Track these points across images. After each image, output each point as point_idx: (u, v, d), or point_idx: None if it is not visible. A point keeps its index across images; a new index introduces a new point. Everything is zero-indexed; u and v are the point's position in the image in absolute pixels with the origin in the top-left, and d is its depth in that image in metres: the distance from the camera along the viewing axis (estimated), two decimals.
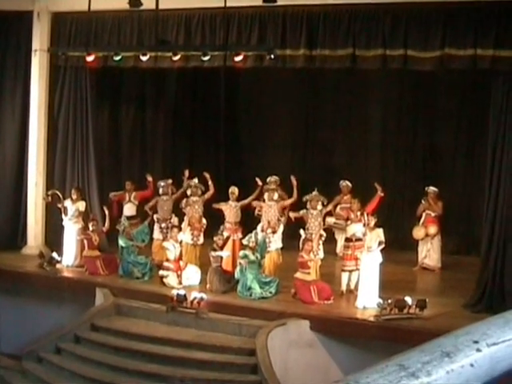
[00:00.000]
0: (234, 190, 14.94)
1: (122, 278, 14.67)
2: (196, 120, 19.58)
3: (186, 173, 15.65)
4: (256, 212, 15.04)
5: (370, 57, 13.64)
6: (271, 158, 18.93)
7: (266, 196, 14.67)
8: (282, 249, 14.45)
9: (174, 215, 15.69)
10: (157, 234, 15.61)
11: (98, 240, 15.12)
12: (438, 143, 17.83)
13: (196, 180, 15.45)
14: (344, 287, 13.59)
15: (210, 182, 15.28)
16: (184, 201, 15.34)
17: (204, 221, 15.19)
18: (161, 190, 15.73)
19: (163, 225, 15.50)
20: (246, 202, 14.93)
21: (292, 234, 14.28)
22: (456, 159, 17.58)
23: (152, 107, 18.61)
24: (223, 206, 14.98)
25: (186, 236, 14.94)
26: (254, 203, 14.93)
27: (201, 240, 15.12)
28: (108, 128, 17.69)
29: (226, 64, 14.42)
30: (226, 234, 14.42)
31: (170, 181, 15.99)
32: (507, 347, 2.30)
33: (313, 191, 14.11)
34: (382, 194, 14.18)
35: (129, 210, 16.06)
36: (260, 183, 14.91)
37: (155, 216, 15.61)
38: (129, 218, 15.71)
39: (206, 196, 15.22)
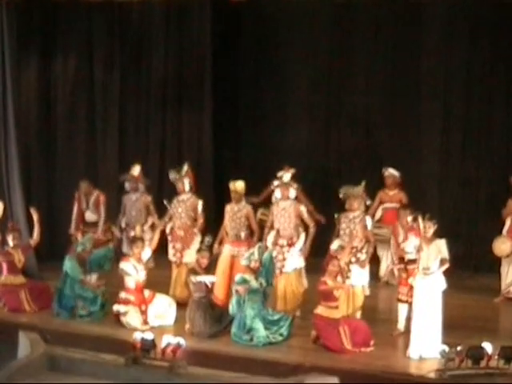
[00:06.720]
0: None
1: (58, 316, 13.99)
2: (171, 77, 18.84)
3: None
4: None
5: None
6: (282, 133, 18.84)
7: (276, 195, 14.15)
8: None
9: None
10: (126, 248, 15.30)
11: (23, 260, 14.45)
12: None
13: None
14: (402, 325, 13.08)
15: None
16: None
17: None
18: (126, 186, 15.48)
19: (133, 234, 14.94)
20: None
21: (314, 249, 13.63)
22: None
23: (103, 58, 17.72)
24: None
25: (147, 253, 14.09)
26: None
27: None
28: (37, 91, 16.91)
29: None
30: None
31: (137, 168, 15.58)
32: None
33: (345, 185, 13.70)
34: None
35: (90, 216, 15.80)
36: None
37: (122, 223, 15.55)
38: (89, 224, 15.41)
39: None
